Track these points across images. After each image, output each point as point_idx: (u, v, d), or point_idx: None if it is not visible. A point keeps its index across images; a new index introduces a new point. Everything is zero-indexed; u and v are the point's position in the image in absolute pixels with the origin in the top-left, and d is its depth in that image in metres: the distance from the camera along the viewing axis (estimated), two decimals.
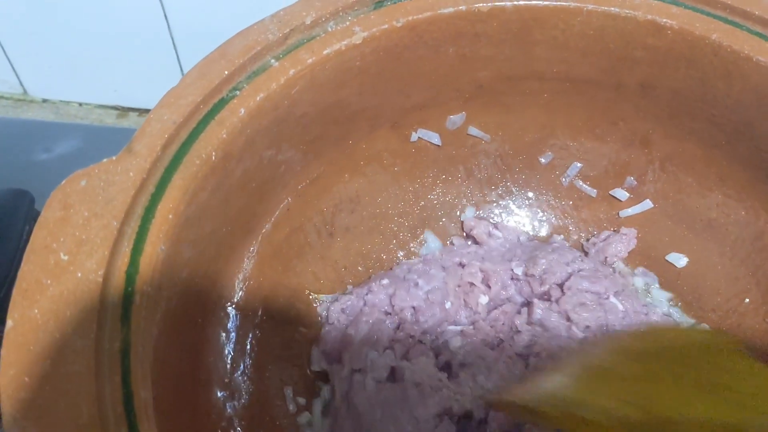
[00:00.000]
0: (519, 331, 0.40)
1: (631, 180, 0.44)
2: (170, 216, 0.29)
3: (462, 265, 0.44)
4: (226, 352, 0.36)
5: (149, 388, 0.27)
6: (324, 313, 0.42)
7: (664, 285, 0.45)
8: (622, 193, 0.45)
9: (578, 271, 0.42)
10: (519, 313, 0.42)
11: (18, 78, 0.73)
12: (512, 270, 0.43)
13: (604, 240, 0.45)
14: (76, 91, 0.74)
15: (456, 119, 0.43)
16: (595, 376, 0.31)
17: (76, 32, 0.66)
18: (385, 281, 0.41)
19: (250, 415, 0.36)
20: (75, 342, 0.25)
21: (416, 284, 0.41)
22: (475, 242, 0.46)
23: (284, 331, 0.39)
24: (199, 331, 0.34)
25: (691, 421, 0.27)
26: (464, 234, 0.47)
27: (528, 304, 0.42)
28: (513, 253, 0.44)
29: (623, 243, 0.45)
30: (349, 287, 0.43)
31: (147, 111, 0.74)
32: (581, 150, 0.45)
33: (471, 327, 0.41)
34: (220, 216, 0.34)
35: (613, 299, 0.41)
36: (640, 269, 0.45)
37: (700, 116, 0.39)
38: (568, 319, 0.40)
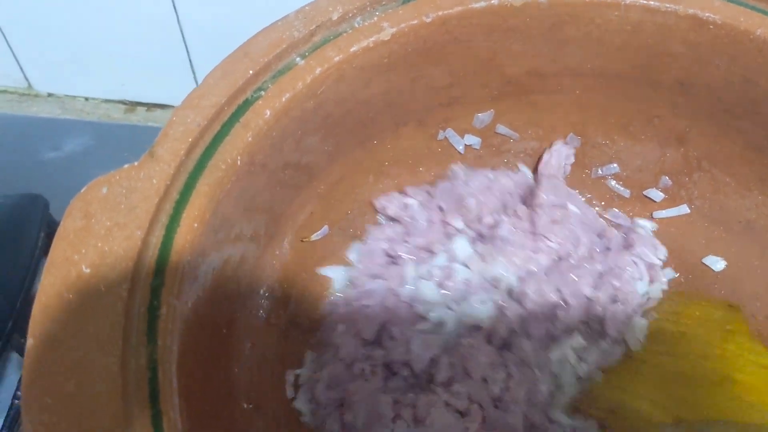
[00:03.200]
0: None
1: (666, 180, 0.43)
2: (195, 224, 0.28)
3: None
4: (252, 362, 0.34)
5: (177, 407, 0.26)
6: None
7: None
8: (656, 194, 0.43)
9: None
10: None
11: (22, 71, 0.71)
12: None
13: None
14: (83, 85, 0.72)
15: (484, 117, 0.42)
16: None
17: (81, 24, 0.64)
18: None
19: (276, 426, 0.35)
20: (100, 360, 0.24)
21: None
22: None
23: (310, 338, 0.38)
24: (224, 341, 0.33)
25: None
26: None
27: None
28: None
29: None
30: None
31: (155, 106, 0.73)
32: (614, 149, 0.43)
33: None
34: (245, 222, 0.32)
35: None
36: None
37: (741, 115, 0.37)
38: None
